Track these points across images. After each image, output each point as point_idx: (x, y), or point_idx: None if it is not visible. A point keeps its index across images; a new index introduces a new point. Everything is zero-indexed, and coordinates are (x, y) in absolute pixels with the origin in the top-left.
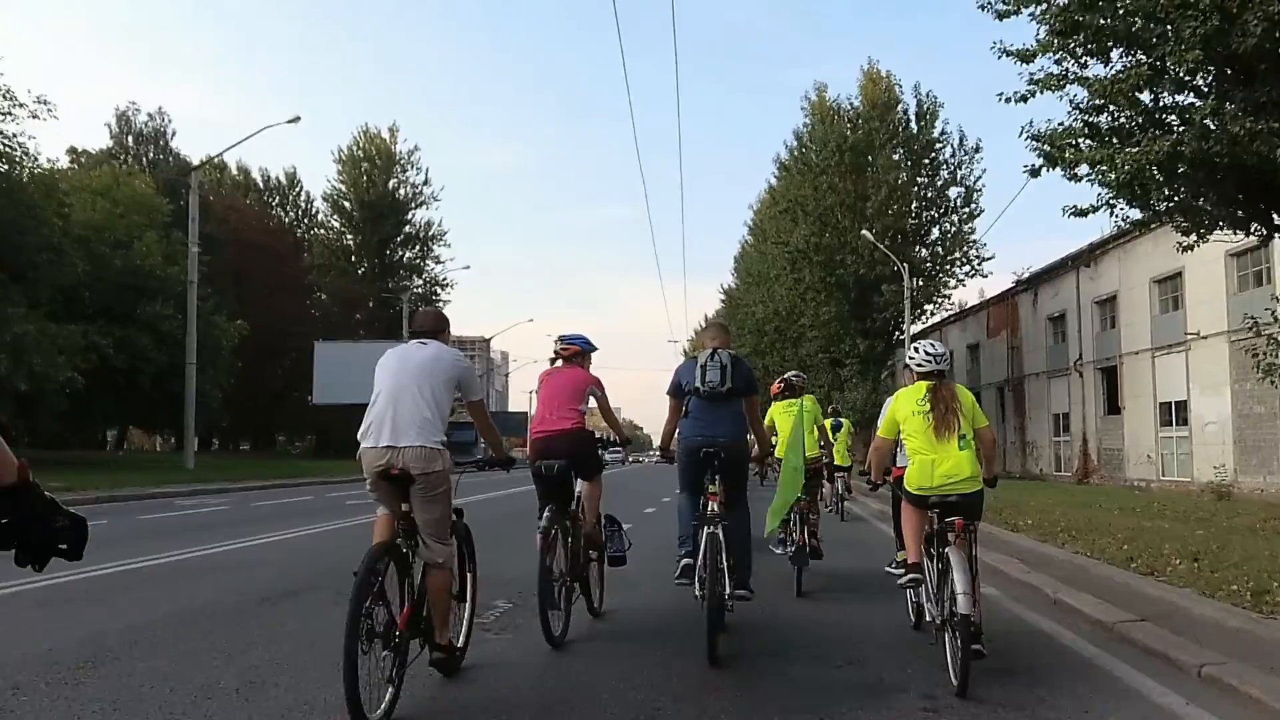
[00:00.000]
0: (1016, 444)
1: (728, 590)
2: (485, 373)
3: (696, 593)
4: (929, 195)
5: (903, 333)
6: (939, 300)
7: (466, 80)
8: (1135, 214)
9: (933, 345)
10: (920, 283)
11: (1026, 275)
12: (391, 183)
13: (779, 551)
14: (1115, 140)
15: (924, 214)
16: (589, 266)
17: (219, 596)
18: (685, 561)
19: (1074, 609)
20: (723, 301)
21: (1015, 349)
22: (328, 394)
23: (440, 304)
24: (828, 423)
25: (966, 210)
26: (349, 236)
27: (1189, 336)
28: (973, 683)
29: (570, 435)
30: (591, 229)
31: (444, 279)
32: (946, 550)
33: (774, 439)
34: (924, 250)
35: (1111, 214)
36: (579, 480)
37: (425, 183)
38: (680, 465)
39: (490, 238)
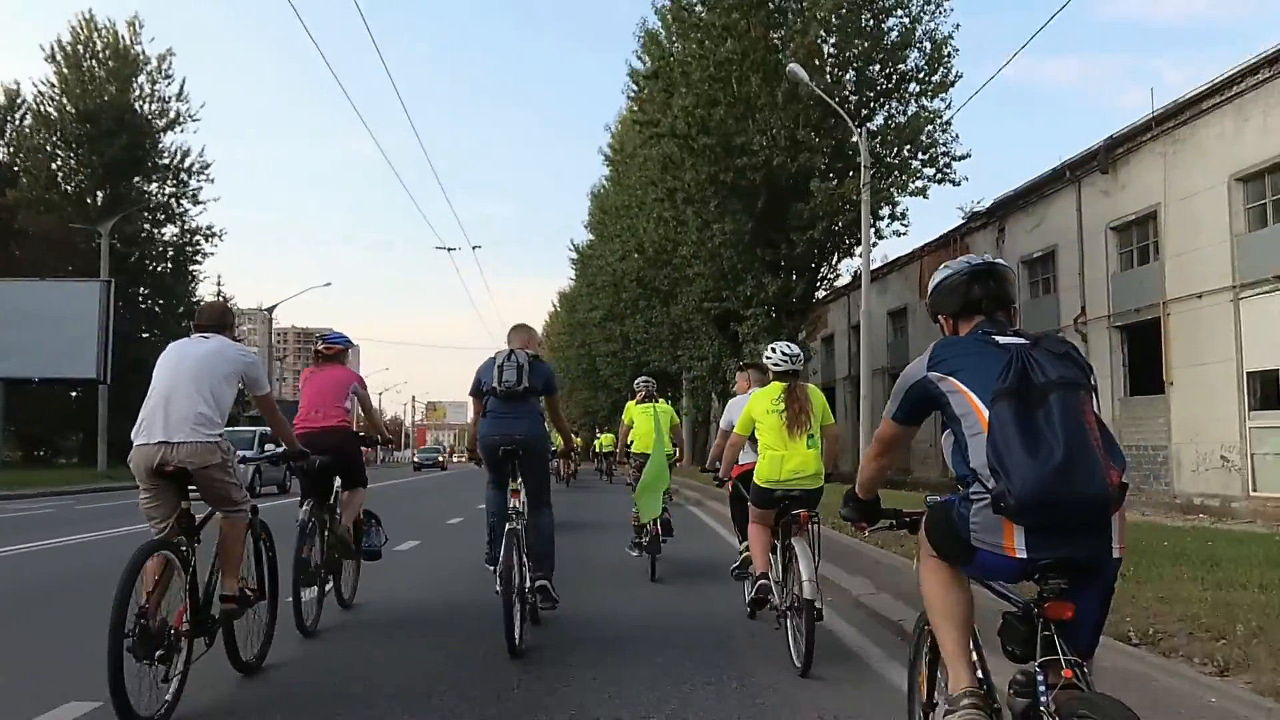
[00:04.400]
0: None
1: (528, 582)
2: (267, 352)
3: (497, 588)
4: (876, 56)
5: (831, 266)
6: (889, 212)
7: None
8: None
9: (789, 346)
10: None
11: (985, 206)
12: (134, 92)
13: (635, 555)
14: None
15: (866, 87)
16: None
17: None
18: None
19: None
20: (574, 262)
21: None
22: None
23: (203, 256)
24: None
25: (931, 82)
26: (65, 157)
27: None
28: (815, 662)
29: (333, 433)
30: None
31: (211, 229)
32: (791, 541)
33: (630, 436)
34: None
35: None
36: (339, 482)
37: (180, 97)
38: (486, 463)
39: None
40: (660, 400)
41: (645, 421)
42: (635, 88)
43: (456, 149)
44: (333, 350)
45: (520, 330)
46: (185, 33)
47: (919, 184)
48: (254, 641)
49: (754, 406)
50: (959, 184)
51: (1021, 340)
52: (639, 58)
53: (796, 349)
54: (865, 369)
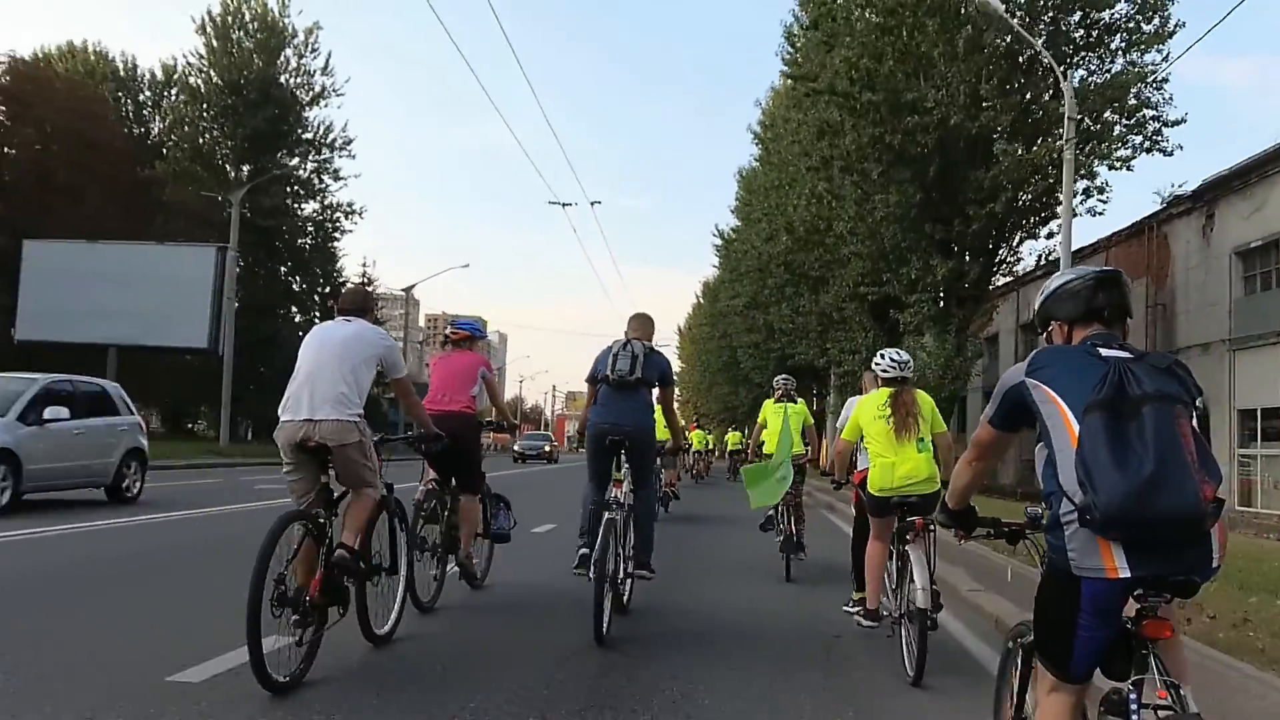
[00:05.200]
0: None
1: (622, 572)
2: (405, 333)
3: (590, 575)
4: (1075, 4)
5: (1011, 249)
6: (1085, 186)
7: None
8: None
9: (898, 353)
10: (1055, 158)
11: (1189, 190)
12: (280, 65)
13: (770, 531)
14: None
15: (1062, 41)
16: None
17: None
18: (583, 551)
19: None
20: (718, 248)
21: (1160, 308)
22: (37, 326)
23: (342, 233)
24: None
25: (1143, 32)
26: (210, 130)
27: None
28: (927, 673)
29: (457, 418)
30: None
31: (351, 205)
32: (906, 548)
33: (763, 434)
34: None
35: None
36: (457, 483)
37: (325, 71)
38: (589, 452)
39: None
40: (799, 400)
41: (777, 421)
42: (791, 49)
43: (594, 138)
44: (459, 335)
45: (639, 319)
46: (329, 8)
47: (1124, 152)
48: (384, 615)
49: (861, 412)
50: (1170, 154)
51: (1125, 354)
52: (794, 15)
53: (907, 356)
54: None
